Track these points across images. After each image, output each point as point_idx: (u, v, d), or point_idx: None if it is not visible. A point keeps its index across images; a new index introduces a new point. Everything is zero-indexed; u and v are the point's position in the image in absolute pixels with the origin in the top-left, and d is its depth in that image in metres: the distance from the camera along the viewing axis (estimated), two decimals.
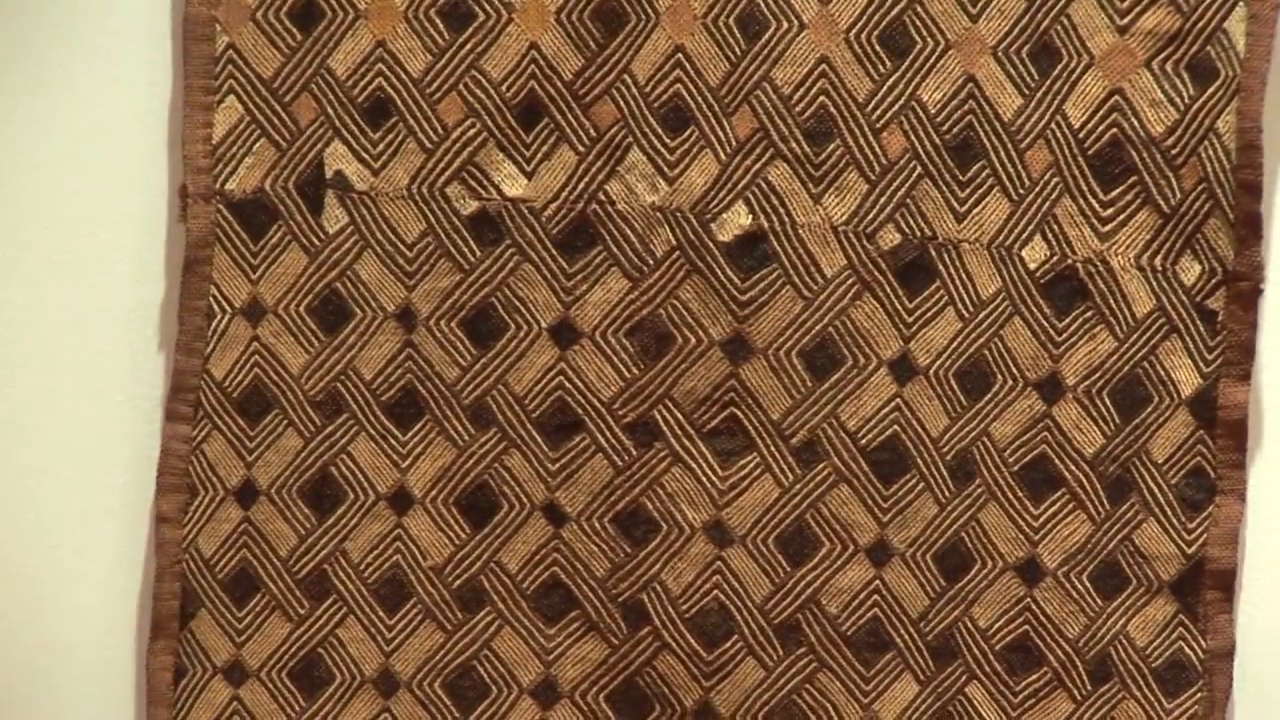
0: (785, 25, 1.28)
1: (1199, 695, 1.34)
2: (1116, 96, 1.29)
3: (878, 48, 1.28)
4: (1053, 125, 1.29)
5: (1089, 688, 1.34)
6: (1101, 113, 1.29)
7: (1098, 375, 1.32)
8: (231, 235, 1.31)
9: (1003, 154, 1.30)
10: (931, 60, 1.28)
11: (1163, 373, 1.32)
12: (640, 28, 1.28)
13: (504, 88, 1.29)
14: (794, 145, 1.30)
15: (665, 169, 1.30)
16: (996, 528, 1.33)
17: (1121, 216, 1.31)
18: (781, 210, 1.30)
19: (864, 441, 1.32)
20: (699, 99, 1.29)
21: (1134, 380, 1.32)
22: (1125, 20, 1.28)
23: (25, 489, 1.34)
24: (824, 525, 1.32)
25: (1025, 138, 1.30)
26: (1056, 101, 1.29)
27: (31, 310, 1.33)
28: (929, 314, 1.31)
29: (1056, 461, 1.32)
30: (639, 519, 1.32)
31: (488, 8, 1.28)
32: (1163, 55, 1.28)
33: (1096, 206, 1.30)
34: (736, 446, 1.32)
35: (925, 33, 1.28)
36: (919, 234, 1.31)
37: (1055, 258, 1.31)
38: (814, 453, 1.32)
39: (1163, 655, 1.34)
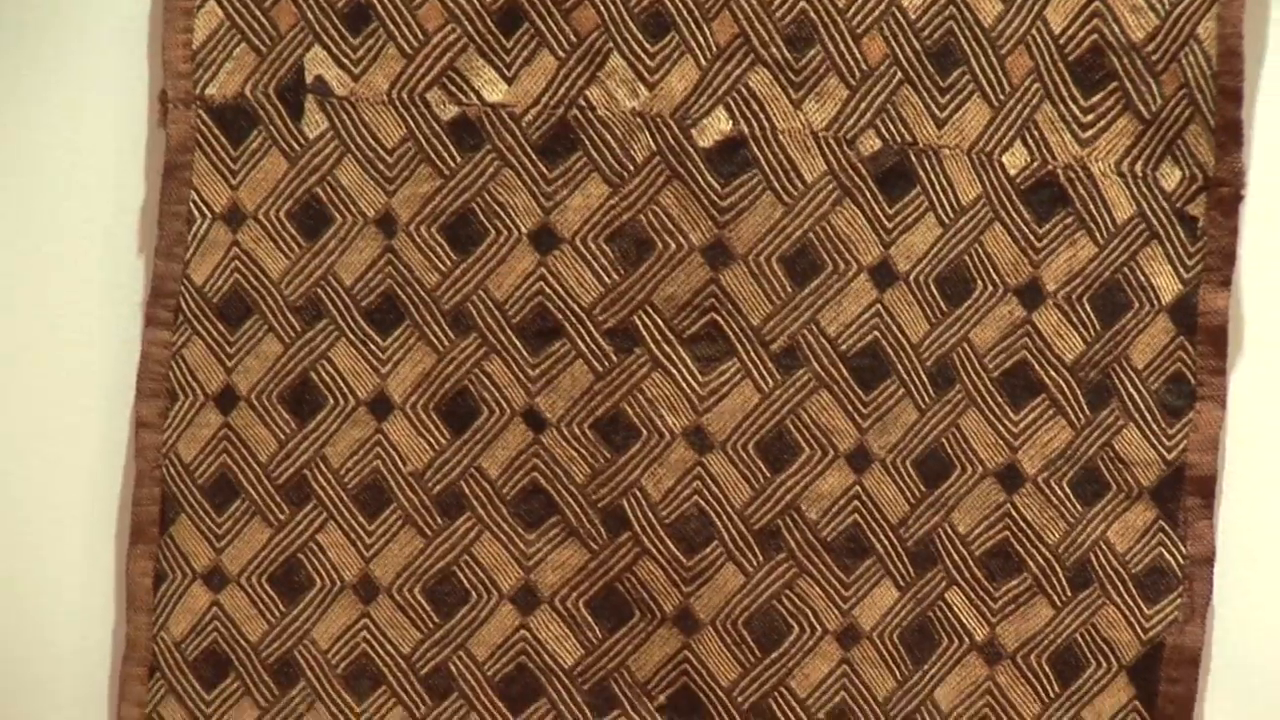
0: None
1: (1178, 601, 1.43)
2: (1097, 2, 1.38)
3: None
4: (1033, 31, 1.39)
5: (1068, 593, 1.43)
6: (1082, 18, 1.39)
7: (1078, 281, 1.41)
8: (211, 141, 1.40)
9: (983, 60, 1.39)
10: None
11: (1143, 279, 1.41)
12: None
13: None
14: (774, 51, 1.39)
15: (645, 74, 1.39)
16: (976, 434, 1.42)
17: (1102, 123, 1.40)
18: (762, 116, 1.40)
19: (844, 347, 1.41)
20: (679, 4, 1.38)
21: (1114, 286, 1.41)
22: None
23: (3, 394, 1.43)
24: (804, 431, 1.42)
25: (1006, 43, 1.39)
26: (1037, 7, 1.39)
27: (10, 216, 1.42)
28: (909, 220, 1.41)
29: (1036, 367, 1.42)
30: (619, 425, 1.42)
31: None
32: None
33: (1077, 112, 1.40)
34: (716, 352, 1.41)
35: None
36: (899, 140, 1.40)
37: (1035, 164, 1.41)
38: (794, 358, 1.41)
39: (1142, 561, 1.43)
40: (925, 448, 1.43)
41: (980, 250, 1.41)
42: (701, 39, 1.39)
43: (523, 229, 1.41)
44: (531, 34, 1.39)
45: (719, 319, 1.41)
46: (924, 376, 1.42)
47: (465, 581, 1.44)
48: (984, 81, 1.39)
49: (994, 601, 1.44)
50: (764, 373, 1.41)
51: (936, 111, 1.40)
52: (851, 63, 1.39)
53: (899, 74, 1.39)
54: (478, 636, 1.44)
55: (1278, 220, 1.44)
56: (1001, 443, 1.43)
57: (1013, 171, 1.41)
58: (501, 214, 1.41)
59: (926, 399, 1.42)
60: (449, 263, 1.41)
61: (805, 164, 1.40)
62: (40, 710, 1.46)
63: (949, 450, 1.43)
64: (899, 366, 1.42)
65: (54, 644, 1.46)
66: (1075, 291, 1.42)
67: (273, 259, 1.41)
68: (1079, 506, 1.43)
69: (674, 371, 1.41)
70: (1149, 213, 1.41)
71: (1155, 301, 1.42)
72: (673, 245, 1.40)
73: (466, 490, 1.43)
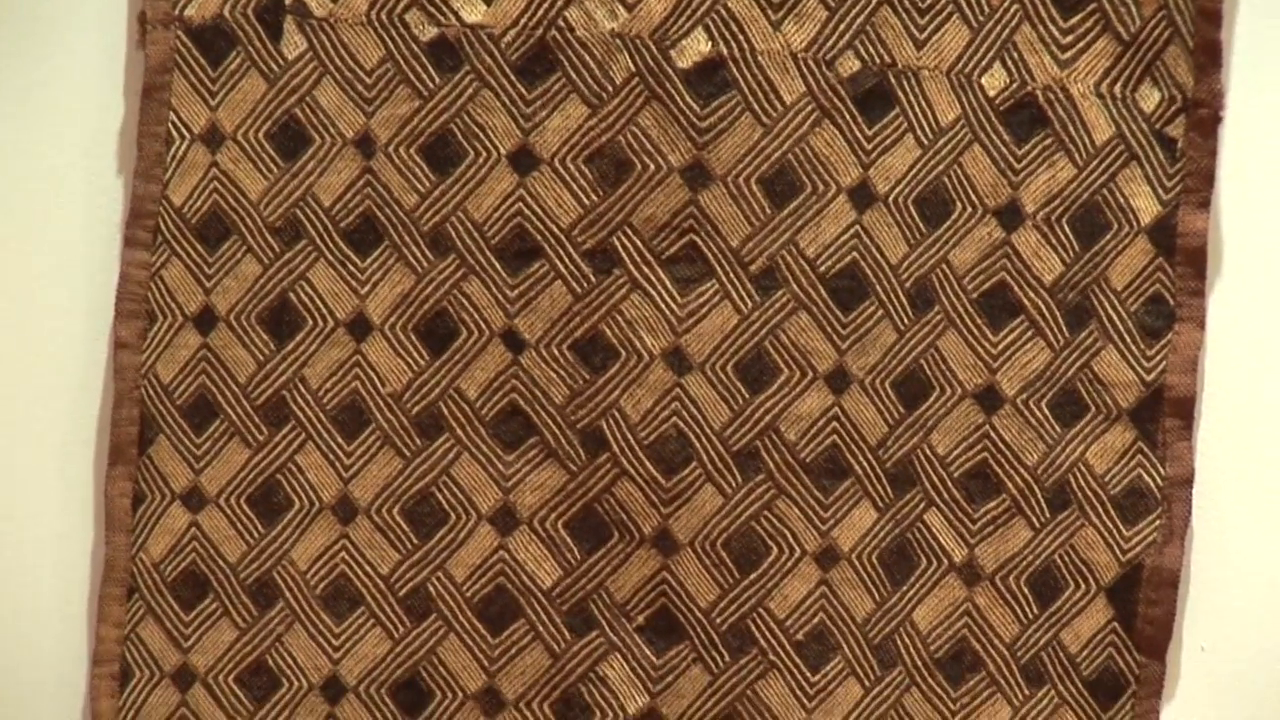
0: None
1: (1157, 523, 1.50)
2: None
3: None
4: None
5: (1047, 515, 1.51)
6: None
7: (1057, 202, 1.48)
8: (190, 61, 1.47)
9: None
10: None
11: (1122, 200, 1.48)
12: None
13: None
14: None
15: None
16: (955, 355, 1.49)
17: (1081, 44, 1.47)
18: (741, 37, 1.47)
19: (823, 268, 1.48)
20: None
21: (1093, 208, 1.48)
22: None
23: None
24: (782, 352, 1.49)
25: None
26: None
27: None
28: (888, 141, 1.48)
29: (1015, 289, 1.49)
30: (598, 346, 1.49)
31: None
32: None
33: (1056, 33, 1.47)
34: (695, 273, 1.48)
35: None
36: (878, 61, 1.47)
37: (1015, 85, 1.48)
38: (773, 279, 1.48)
39: (1121, 483, 1.50)
40: (904, 369, 1.49)
41: (959, 172, 1.48)
42: None
43: (501, 150, 1.47)
44: None
45: (698, 240, 1.48)
46: (903, 298, 1.48)
47: (444, 503, 1.50)
48: (963, 2, 1.46)
49: (973, 523, 1.51)
50: (743, 294, 1.48)
51: (915, 33, 1.47)
52: None
53: None
54: (456, 558, 1.50)
55: (1257, 141, 1.50)
56: (980, 364, 1.49)
57: (992, 93, 1.47)
58: (480, 135, 1.47)
59: (905, 320, 1.49)
60: (428, 184, 1.47)
61: (784, 85, 1.47)
62: (18, 631, 1.53)
63: (928, 371, 1.49)
64: (878, 288, 1.48)
65: (32, 566, 1.53)
66: (1054, 213, 1.48)
67: (251, 180, 1.48)
68: (1058, 428, 1.50)
69: (653, 293, 1.48)
70: (1128, 134, 1.48)
71: (1134, 223, 1.48)
72: (651, 166, 1.47)
73: (445, 411, 1.49)
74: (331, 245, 1.49)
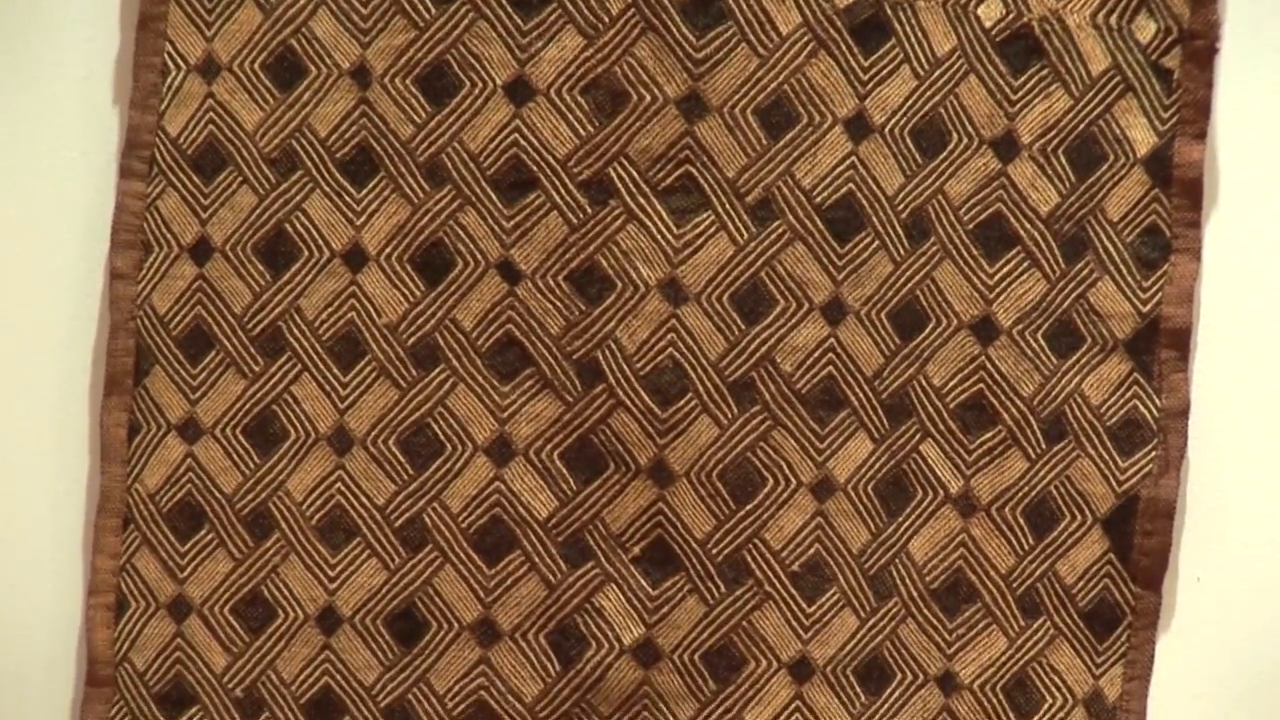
0: None
1: (1153, 454, 1.56)
2: None
3: None
4: None
5: (1043, 446, 1.56)
6: None
7: (1053, 134, 1.54)
8: None
9: None
10: None
11: (1118, 131, 1.53)
12: None
13: None
14: None
15: None
16: (951, 286, 1.54)
17: None
18: None
19: (819, 199, 1.53)
20: None
21: (1089, 139, 1.54)
22: None
23: None
24: (778, 283, 1.54)
25: None
26: None
27: None
28: (884, 72, 1.53)
29: (1011, 220, 1.54)
30: (594, 277, 1.54)
31: None
32: None
33: None
34: (691, 204, 1.53)
35: None
36: None
37: (1011, 16, 1.53)
38: (769, 210, 1.53)
39: (1117, 414, 1.56)
40: (900, 300, 1.55)
41: (955, 103, 1.53)
42: None
43: (497, 81, 1.52)
44: None
45: (694, 171, 1.53)
46: (899, 229, 1.53)
47: (440, 434, 1.56)
48: None
49: (968, 454, 1.56)
50: (739, 225, 1.53)
51: None
52: None
53: None
54: (452, 489, 1.56)
55: (1252, 72, 1.56)
56: (976, 295, 1.55)
57: (988, 24, 1.53)
58: (476, 66, 1.52)
59: (901, 251, 1.54)
60: (423, 115, 1.53)
61: (780, 16, 1.52)
62: (14, 562, 1.58)
63: (924, 303, 1.55)
64: (874, 219, 1.53)
65: (27, 498, 1.58)
66: (1050, 144, 1.54)
67: (247, 111, 1.53)
68: (1054, 359, 1.55)
69: (649, 224, 1.53)
70: (1124, 65, 1.53)
71: (1130, 154, 1.54)
72: (648, 97, 1.52)
73: (441, 342, 1.54)
74: (327, 176, 1.54)
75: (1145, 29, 1.53)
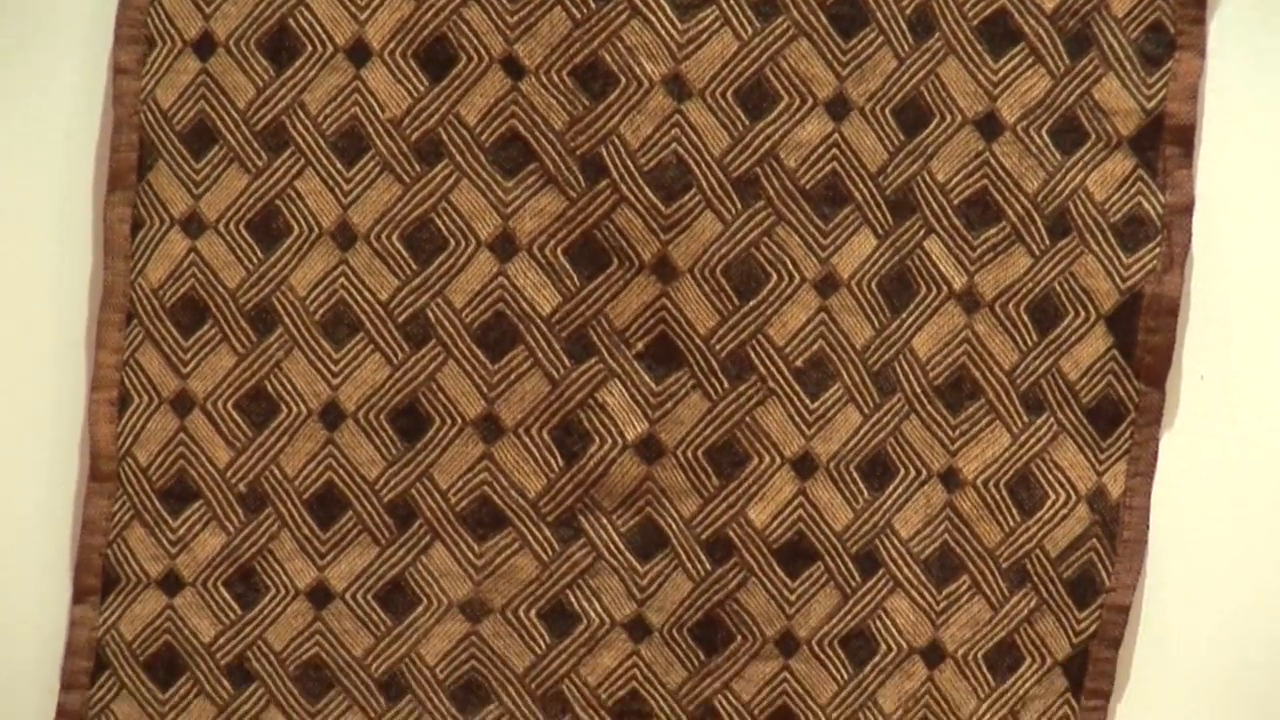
0: None
1: (1157, 250, 1.69)
2: None
3: None
4: None
5: (1047, 242, 1.69)
6: None
7: None
8: None
9: None
10: None
11: None
12: None
13: None
14: None
15: None
16: (955, 81, 1.67)
17: None
18: None
19: None
20: None
21: None
22: None
23: None
24: (783, 79, 1.67)
25: None
26: None
27: None
28: None
29: (1016, 15, 1.67)
30: (597, 72, 1.67)
31: None
32: None
33: None
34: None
35: None
36: None
37: None
38: (773, 5, 1.66)
39: (1121, 210, 1.68)
40: (904, 96, 1.68)
41: None
42: None
43: None
44: None
45: None
46: (903, 24, 1.66)
47: (443, 229, 1.68)
48: None
49: (972, 250, 1.69)
50: (743, 20, 1.66)
51: None
52: None
53: None
54: (456, 284, 1.69)
55: None
56: (980, 91, 1.67)
57: None
58: None
59: (905, 46, 1.66)
60: None
61: None
62: (17, 354, 1.71)
63: (928, 98, 1.67)
64: (878, 13, 1.66)
65: (30, 295, 1.71)
66: None
67: None
68: (1058, 155, 1.68)
69: (652, 19, 1.66)
70: None
71: None
72: None
73: (445, 137, 1.67)
74: None
75: None
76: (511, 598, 1.74)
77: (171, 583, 1.73)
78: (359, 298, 1.70)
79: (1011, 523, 1.73)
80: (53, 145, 1.71)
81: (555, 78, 1.67)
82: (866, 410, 1.72)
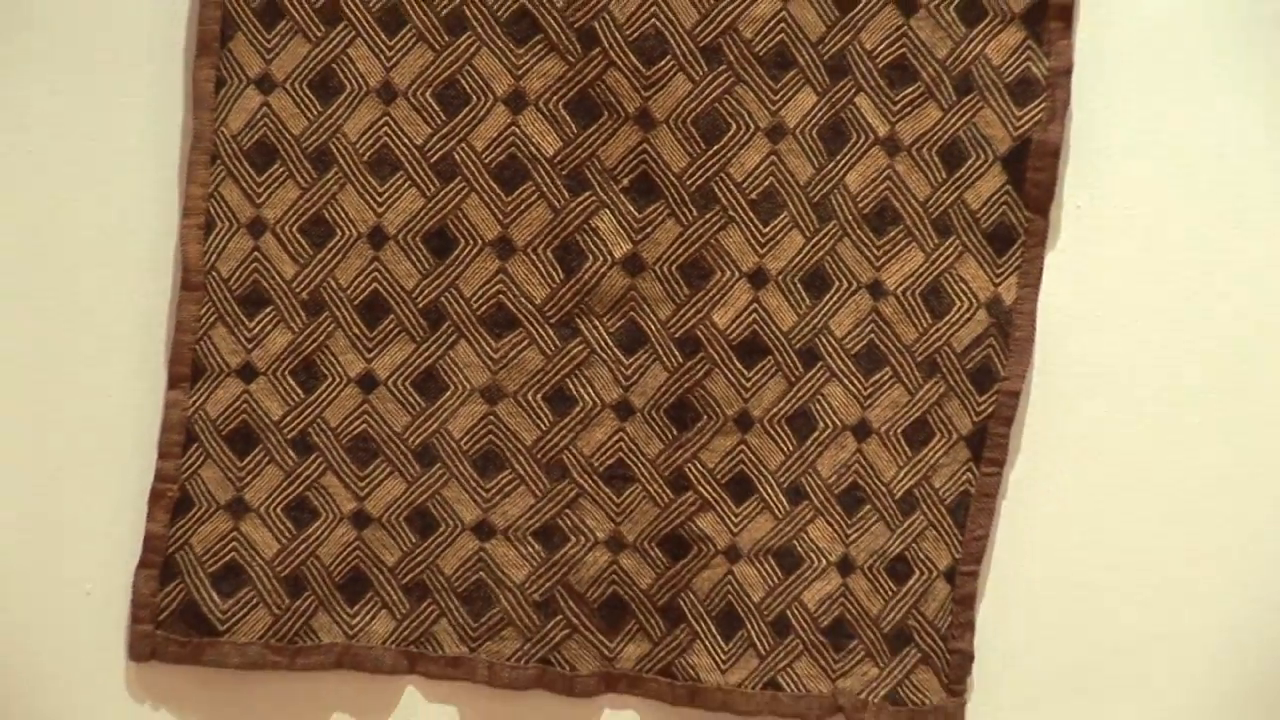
0: None
1: (1043, 105, 2.10)
2: None
3: None
4: None
5: (954, 98, 2.09)
6: None
7: None
8: None
9: None
10: None
11: None
12: None
13: None
14: None
15: None
16: None
17: None
18: None
19: None
20: None
21: None
22: None
23: None
24: None
25: None
26: None
27: None
28: None
29: None
30: None
31: None
32: None
33: None
34: None
35: None
36: None
37: None
38: None
39: (1014, 72, 2.09)
40: None
41: None
42: None
43: None
44: None
45: None
46: None
47: (467, 87, 2.10)
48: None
49: (894, 105, 2.11)
50: None
51: None
52: None
53: None
54: (477, 132, 2.09)
55: None
56: None
57: None
58: None
59: None
60: None
61: None
62: (121, 192, 2.11)
63: None
64: None
65: (132, 138, 2.11)
66: None
67: None
68: (963, 27, 2.08)
69: None
70: None
71: None
72: None
73: (468, 13, 2.08)
74: None
75: None
76: (522, 384, 2.12)
77: (248, 372, 2.10)
78: (399, 143, 2.08)
79: (925, 324, 2.09)
80: (145, 18, 2.10)
81: None
82: (808, 233, 2.09)
